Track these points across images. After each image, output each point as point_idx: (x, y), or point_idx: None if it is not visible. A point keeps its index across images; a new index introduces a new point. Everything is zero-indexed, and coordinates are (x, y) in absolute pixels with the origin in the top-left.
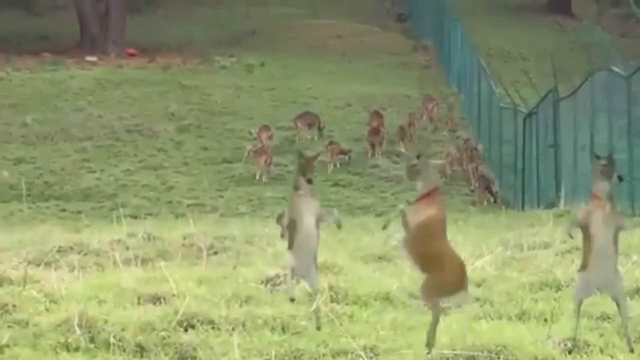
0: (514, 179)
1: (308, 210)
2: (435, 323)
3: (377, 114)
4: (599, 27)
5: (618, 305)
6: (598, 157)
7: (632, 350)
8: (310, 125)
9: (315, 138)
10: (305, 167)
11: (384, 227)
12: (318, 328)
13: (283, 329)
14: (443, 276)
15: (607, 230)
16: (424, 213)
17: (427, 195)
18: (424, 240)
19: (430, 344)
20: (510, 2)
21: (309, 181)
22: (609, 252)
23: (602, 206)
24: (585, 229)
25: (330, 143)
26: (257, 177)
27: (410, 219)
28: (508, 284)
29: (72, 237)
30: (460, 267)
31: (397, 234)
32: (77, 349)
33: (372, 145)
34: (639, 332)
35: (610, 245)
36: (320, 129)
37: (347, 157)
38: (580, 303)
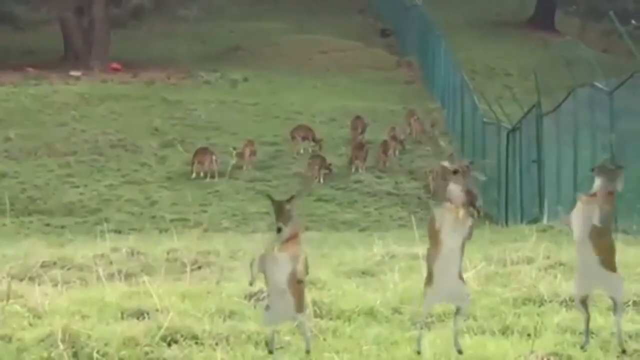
0: (497, 194)
1: (276, 267)
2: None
3: (358, 120)
4: (582, 42)
5: (456, 312)
6: (451, 161)
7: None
8: (304, 139)
9: (307, 150)
10: (276, 212)
11: None
12: (307, 352)
13: (267, 344)
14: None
15: (456, 236)
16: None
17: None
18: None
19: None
20: (494, 18)
21: (278, 230)
22: (454, 258)
23: (455, 211)
24: (435, 234)
25: (314, 157)
26: (202, 175)
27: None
28: (491, 299)
29: (56, 252)
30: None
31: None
32: None
33: (356, 160)
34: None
35: (457, 253)
36: (316, 142)
37: (329, 171)
38: (426, 316)
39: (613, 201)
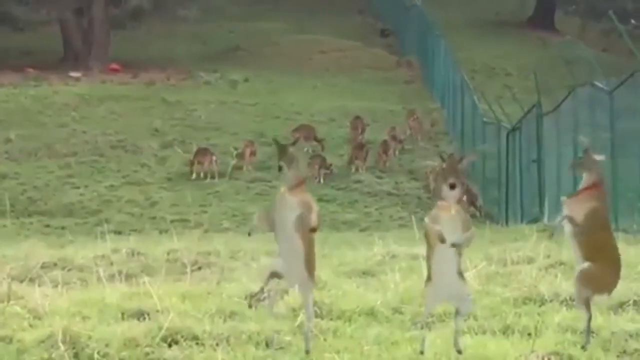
0: (497, 194)
1: (285, 211)
2: (590, 320)
3: (357, 120)
4: (581, 42)
5: (456, 312)
6: (443, 159)
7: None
8: (306, 138)
9: (308, 150)
10: (278, 153)
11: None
12: (307, 352)
13: (267, 345)
14: (604, 270)
15: (452, 234)
16: (588, 205)
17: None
18: (591, 231)
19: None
20: (494, 17)
21: (279, 168)
22: (450, 257)
23: (448, 209)
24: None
25: (314, 156)
26: (202, 175)
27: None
28: (492, 298)
29: (56, 252)
30: (618, 261)
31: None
32: None
33: (356, 160)
34: (622, 347)
35: (453, 250)
36: (318, 141)
37: (329, 171)
38: (427, 316)
39: (600, 195)
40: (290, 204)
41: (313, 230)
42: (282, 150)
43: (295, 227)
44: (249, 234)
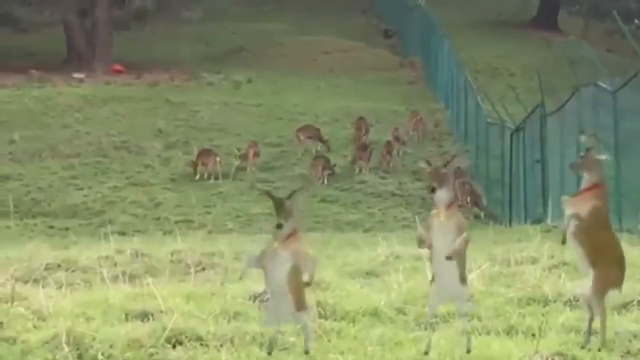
0: (501, 194)
1: (276, 264)
2: (605, 319)
3: (361, 120)
4: (585, 42)
5: (459, 315)
6: (429, 164)
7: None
8: (311, 138)
9: (311, 151)
10: (276, 209)
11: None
12: (306, 352)
13: (271, 345)
14: (610, 268)
15: (445, 238)
16: (589, 204)
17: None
18: (593, 230)
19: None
20: (497, 17)
21: (278, 226)
22: (449, 262)
23: (438, 215)
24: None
25: (317, 157)
26: (206, 176)
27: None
28: (496, 299)
29: (60, 254)
30: (622, 259)
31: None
32: None
33: (359, 161)
34: (626, 347)
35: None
36: (323, 142)
37: (332, 172)
38: (431, 316)
39: (602, 195)
40: (282, 257)
41: (307, 285)
42: (278, 205)
43: (287, 280)
44: (240, 278)
